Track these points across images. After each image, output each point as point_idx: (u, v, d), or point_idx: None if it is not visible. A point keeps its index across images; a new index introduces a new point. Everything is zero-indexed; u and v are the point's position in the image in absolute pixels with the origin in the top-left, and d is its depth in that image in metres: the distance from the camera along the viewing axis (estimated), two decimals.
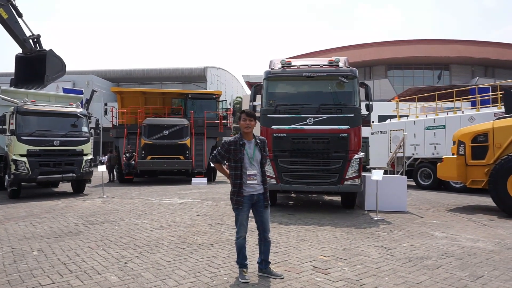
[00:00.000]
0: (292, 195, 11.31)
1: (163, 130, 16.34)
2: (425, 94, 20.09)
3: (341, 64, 8.51)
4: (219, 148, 4.01)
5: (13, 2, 13.32)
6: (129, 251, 5.05)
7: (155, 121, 16.84)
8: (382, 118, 19.03)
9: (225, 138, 20.98)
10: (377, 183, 7.78)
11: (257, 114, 8.46)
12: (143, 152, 16.09)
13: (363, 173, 8.57)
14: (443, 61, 41.08)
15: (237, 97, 43.80)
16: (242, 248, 3.91)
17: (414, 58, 40.39)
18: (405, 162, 13.34)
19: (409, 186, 10.74)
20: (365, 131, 10.88)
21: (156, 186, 14.91)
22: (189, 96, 19.14)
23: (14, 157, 10.63)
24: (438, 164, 10.05)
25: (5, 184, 11.85)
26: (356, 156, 7.85)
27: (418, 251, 5.04)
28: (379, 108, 19.64)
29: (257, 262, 4.07)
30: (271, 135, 8.11)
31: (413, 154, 14.61)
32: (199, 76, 39.64)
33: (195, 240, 5.62)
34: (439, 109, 15.83)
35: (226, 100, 23.94)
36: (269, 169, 7.98)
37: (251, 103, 8.72)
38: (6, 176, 11.47)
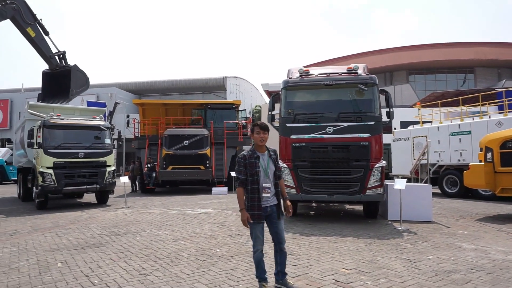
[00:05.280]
0: (313, 204, 11.16)
1: (183, 141, 16.54)
2: (449, 99, 19.52)
3: (360, 71, 8.41)
4: (236, 167, 3.89)
5: (40, 21, 13.94)
6: (149, 263, 5.08)
7: (175, 131, 17.10)
8: (405, 125, 18.61)
9: (245, 147, 21.08)
10: (400, 192, 7.56)
11: (276, 124, 8.51)
12: (164, 162, 16.31)
13: (386, 182, 8.36)
14: (467, 64, 39.92)
15: (256, 105, 43.85)
16: (260, 261, 3.85)
17: (436, 62, 39.43)
18: (430, 170, 12.97)
19: (435, 194, 10.38)
20: (387, 138, 10.64)
21: (177, 196, 15.05)
22: (209, 106, 19.37)
23: (41, 169, 11.00)
24: (465, 171, 9.69)
25: (33, 196, 12.28)
26: (378, 165, 7.67)
27: (445, 264, 4.83)
28: (401, 114, 19.23)
29: (274, 274, 4.01)
30: (291, 144, 8.06)
31: (438, 161, 14.17)
32: (219, 85, 40.06)
33: (215, 252, 5.61)
34: (464, 114, 15.35)
35: (245, 110, 24.08)
36: (288, 179, 7.92)
37: (269, 113, 8.71)
38: (34, 188, 11.86)
